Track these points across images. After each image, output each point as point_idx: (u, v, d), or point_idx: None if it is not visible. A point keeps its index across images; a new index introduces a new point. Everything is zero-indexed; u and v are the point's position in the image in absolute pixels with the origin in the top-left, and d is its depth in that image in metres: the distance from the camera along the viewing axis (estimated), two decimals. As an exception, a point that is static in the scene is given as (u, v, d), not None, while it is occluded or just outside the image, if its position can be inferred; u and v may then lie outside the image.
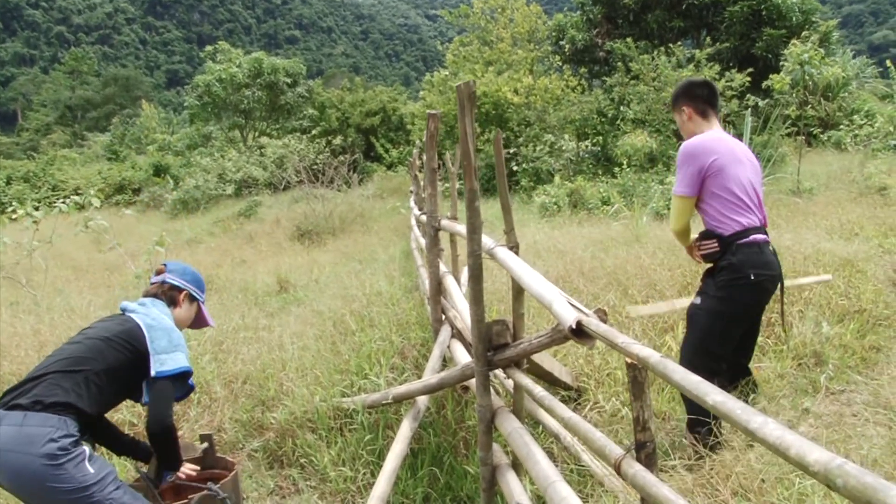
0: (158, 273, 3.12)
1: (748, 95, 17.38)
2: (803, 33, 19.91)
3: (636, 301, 5.75)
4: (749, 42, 21.99)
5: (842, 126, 17.82)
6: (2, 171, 31.69)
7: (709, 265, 3.57)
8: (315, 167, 17.81)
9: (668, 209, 11.36)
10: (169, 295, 3.05)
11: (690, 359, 3.41)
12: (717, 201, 3.37)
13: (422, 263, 6.87)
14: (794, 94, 16.51)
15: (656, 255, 6.91)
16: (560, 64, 24.72)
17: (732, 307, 3.39)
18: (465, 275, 4.95)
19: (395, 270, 8.45)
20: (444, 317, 4.45)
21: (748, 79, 17.43)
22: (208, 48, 32.50)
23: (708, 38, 21.95)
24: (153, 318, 2.83)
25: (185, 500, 2.80)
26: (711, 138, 3.41)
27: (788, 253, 6.65)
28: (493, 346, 2.77)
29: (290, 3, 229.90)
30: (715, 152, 3.33)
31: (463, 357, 3.67)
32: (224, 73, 28.83)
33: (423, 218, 5.17)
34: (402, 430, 3.40)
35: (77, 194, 9.44)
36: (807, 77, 15.82)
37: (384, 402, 3.76)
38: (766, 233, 3.46)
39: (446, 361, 4.32)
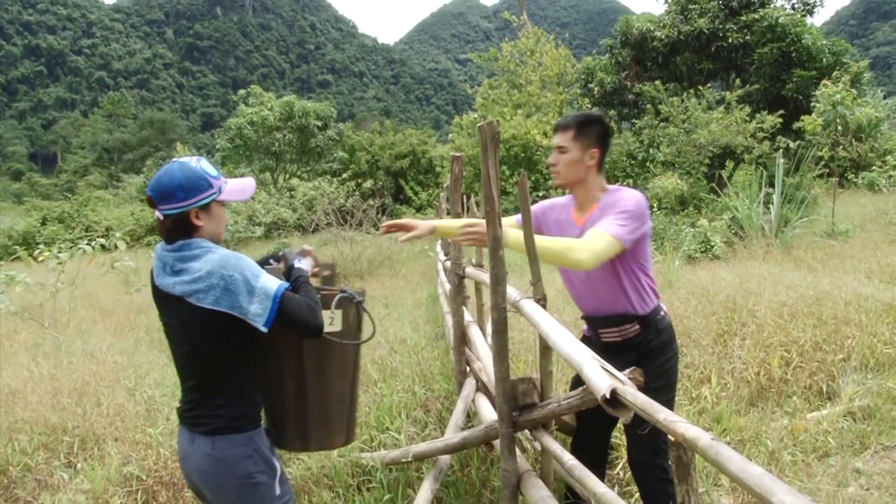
0: (150, 206, 2.40)
1: (779, 137, 17.17)
2: (834, 74, 19.72)
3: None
4: (779, 84, 21.80)
5: (874, 167, 17.54)
6: (38, 212, 32.23)
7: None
8: (344, 209, 17.81)
9: (702, 252, 11.29)
10: (180, 226, 2.35)
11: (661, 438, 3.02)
12: (637, 274, 2.98)
13: (447, 310, 6.71)
14: (826, 136, 16.27)
15: (689, 302, 6.67)
16: (589, 106, 24.71)
17: (675, 380, 3.15)
18: (490, 325, 4.79)
19: (421, 317, 8.28)
20: (468, 369, 4.26)
21: (780, 120, 17.23)
22: (241, 92, 33.02)
23: (738, 80, 21.82)
24: (207, 277, 2.25)
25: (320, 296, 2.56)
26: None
27: (828, 298, 6.40)
28: (519, 405, 2.58)
29: (323, 48, 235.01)
30: (648, 215, 2.93)
31: (488, 413, 3.48)
32: (256, 116, 29.21)
33: (448, 264, 5.02)
34: (422, 492, 3.21)
35: (103, 237, 9.43)
36: (839, 118, 15.58)
37: (404, 459, 3.57)
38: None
39: (470, 416, 4.13)
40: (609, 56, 26.40)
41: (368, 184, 24.95)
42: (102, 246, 8.38)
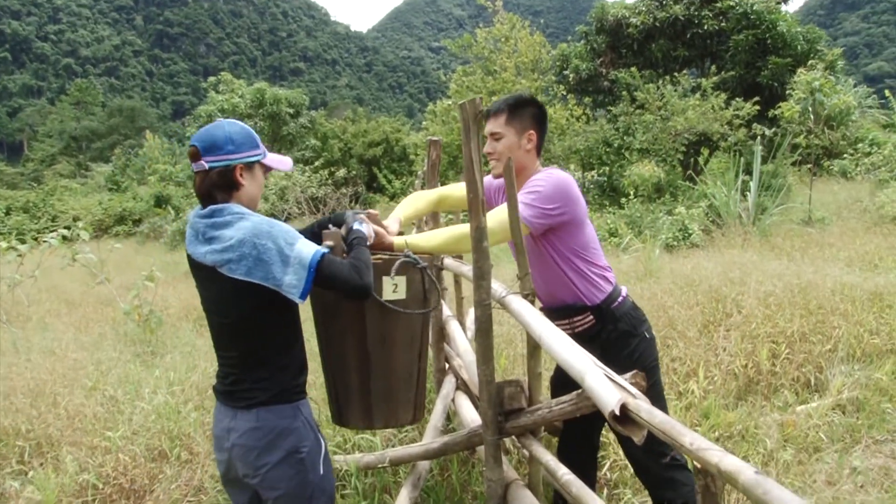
0: (193, 158, 2.27)
1: (755, 124, 17.13)
2: (810, 62, 19.73)
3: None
4: (754, 71, 21.78)
5: (846, 155, 17.60)
6: (2, 201, 31.43)
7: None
8: (317, 198, 17.53)
9: (680, 240, 11.15)
10: (222, 181, 2.25)
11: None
12: (580, 260, 2.79)
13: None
14: (800, 123, 16.25)
15: (673, 292, 6.51)
16: (564, 93, 24.50)
17: (656, 365, 2.97)
18: (470, 317, 4.55)
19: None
20: (447, 366, 4.04)
21: (757, 108, 17.17)
22: (211, 79, 32.46)
23: (713, 67, 21.76)
24: (238, 246, 2.13)
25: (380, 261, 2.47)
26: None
27: (813, 287, 6.28)
28: (506, 410, 2.37)
29: (296, 35, 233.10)
30: (580, 197, 2.75)
31: (469, 414, 3.27)
32: (227, 104, 28.73)
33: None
34: (400, 499, 2.99)
35: (68, 227, 9.06)
36: (818, 105, 15.56)
37: (380, 465, 3.35)
38: None
39: (450, 417, 3.91)
40: (584, 43, 26.22)
41: (341, 172, 24.64)
42: (64, 237, 8.02)
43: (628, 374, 1.71)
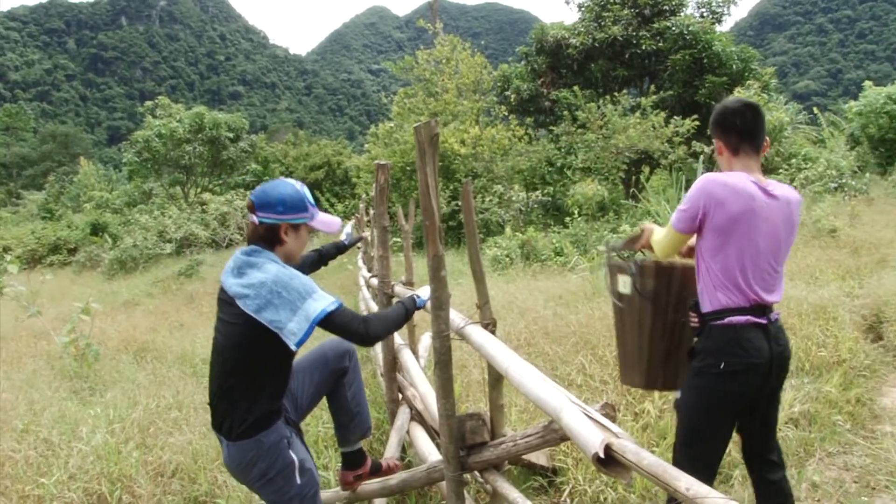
0: (249, 210, 2.65)
1: (694, 142, 17.45)
2: (747, 81, 20.25)
3: (608, 363, 5.30)
4: (692, 89, 22.22)
5: (781, 170, 18.06)
6: (-74, 232, 30.18)
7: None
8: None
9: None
10: (268, 235, 2.61)
11: (678, 459, 2.77)
12: (705, 265, 2.73)
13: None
14: (738, 140, 16.62)
15: (622, 311, 6.49)
16: (506, 114, 24.62)
17: (708, 399, 2.72)
18: (422, 345, 4.43)
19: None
20: (400, 396, 3.90)
21: (696, 124, 17.50)
22: (148, 103, 31.78)
23: (652, 87, 22.14)
24: (258, 287, 2.47)
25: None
26: (733, 181, 2.66)
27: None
28: (467, 445, 2.26)
29: (234, 59, 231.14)
30: (725, 202, 2.62)
31: (425, 446, 3.14)
32: (164, 129, 28.12)
33: (374, 281, 4.64)
34: (356, 540, 2.85)
35: (-2, 258, 8.66)
36: (753, 122, 15.95)
37: (337, 502, 3.19)
38: (758, 312, 2.69)
39: (405, 448, 3.77)
40: (525, 63, 26.44)
41: (284, 196, 24.29)
42: (-8, 269, 7.67)
43: (598, 406, 1.62)
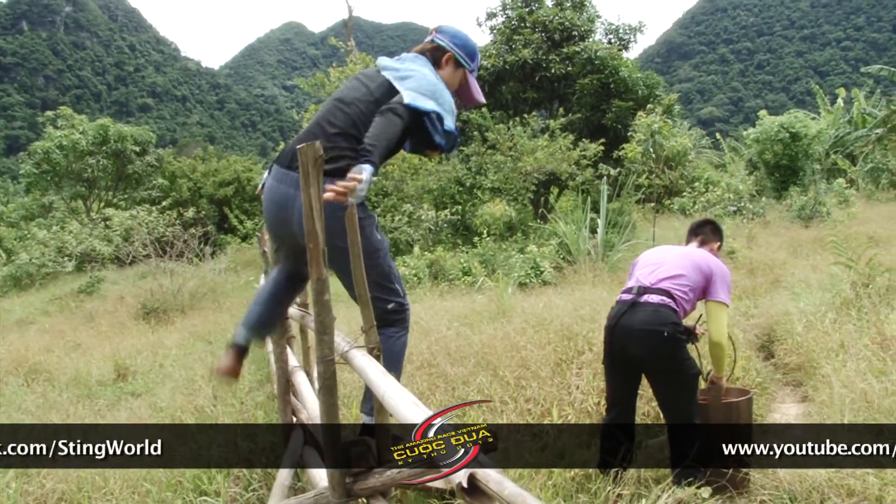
0: (432, 32, 3.03)
1: (601, 164, 17.92)
2: (649, 106, 20.98)
3: (508, 383, 5.33)
4: (599, 113, 22.85)
5: (685, 193, 18.74)
6: None
7: None
8: (164, 240, 16.74)
9: (532, 278, 11.36)
10: (433, 55, 2.94)
11: None
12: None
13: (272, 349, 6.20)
14: (643, 163, 17.18)
15: (525, 331, 6.53)
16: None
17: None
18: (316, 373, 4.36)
19: (246, 357, 7.67)
20: (294, 419, 3.82)
21: (602, 148, 17.96)
22: (48, 113, 30.55)
23: (561, 109, 22.65)
24: (405, 70, 2.84)
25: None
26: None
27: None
28: (353, 472, 2.22)
29: (144, 70, 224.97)
30: None
31: (317, 472, 3.08)
32: (65, 140, 27.07)
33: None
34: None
35: None
36: (657, 147, 16.51)
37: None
38: (636, 291, 3.87)
39: (299, 475, 3.69)
40: (437, 84, 26.66)
41: (190, 212, 23.74)
42: None
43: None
